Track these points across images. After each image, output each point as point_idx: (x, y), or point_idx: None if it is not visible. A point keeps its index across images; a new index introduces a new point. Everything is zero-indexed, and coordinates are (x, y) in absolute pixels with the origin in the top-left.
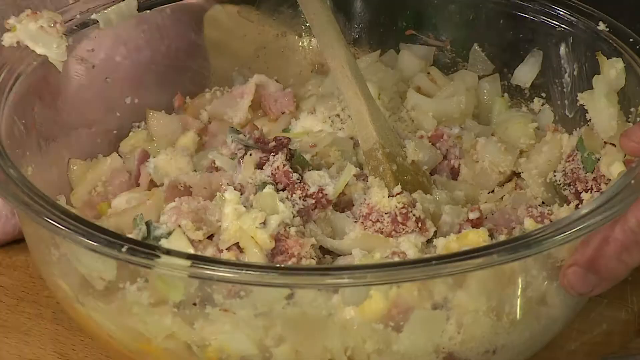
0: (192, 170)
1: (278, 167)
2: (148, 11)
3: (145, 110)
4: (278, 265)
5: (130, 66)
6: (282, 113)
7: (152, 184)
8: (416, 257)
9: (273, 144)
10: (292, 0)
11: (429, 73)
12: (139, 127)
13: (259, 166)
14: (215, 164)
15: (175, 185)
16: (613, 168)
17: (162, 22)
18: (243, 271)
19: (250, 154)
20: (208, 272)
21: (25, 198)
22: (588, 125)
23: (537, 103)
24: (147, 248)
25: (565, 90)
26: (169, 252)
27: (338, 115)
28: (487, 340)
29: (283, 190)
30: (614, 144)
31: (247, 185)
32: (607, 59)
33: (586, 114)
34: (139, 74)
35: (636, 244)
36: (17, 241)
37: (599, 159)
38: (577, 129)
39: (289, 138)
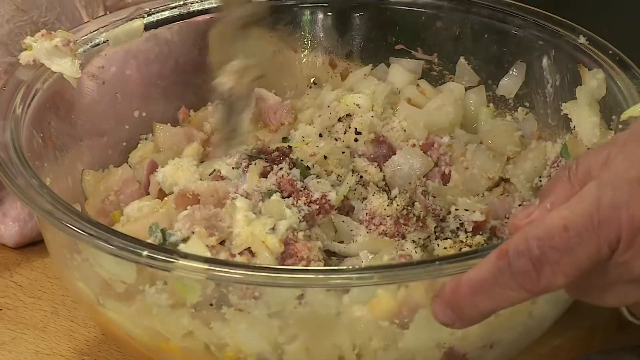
0: (199, 179)
1: (283, 175)
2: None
3: (152, 123)
4: (290, 267)
5: (140, 80)
6: (282, 124)
7: (161, 193)
8: (420, 259)
9: (276, 153)
10: (287, 19)
11: (418, 85)
12: (146, 139)
13: (263, 175)
14: (220, 173)
15: (184, 193)
16: None
17: (170, 38)
18: (257, 273)
19: (254, 164)
20: (224, 274)
21: (49, 206)
22: (572, 133)
23: (521, 112)
24: (166, 253)
25: (548, 99)
26: (186, 256)
27: (334, 126)
28: (485, 335)
29: (288, 197)
30: None
31: (254, 193)
32: (588, 70)
33: (569, 123)
34: (148, 88)
35: (486, 289)
36: (34, 243)
37: None
38: (561, 136)
39: (290, 147)
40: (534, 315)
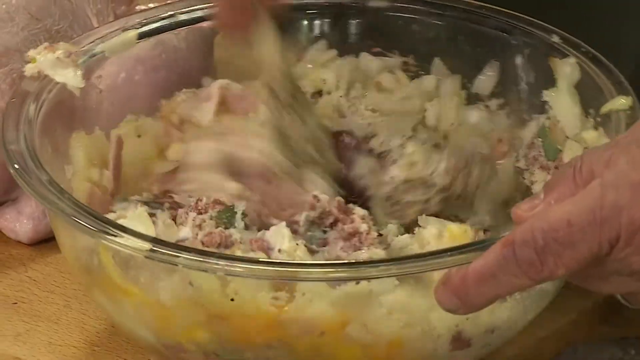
0: None
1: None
2: (165, 34)
3: None
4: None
5: (147, 85)
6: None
7: None
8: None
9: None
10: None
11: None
12: None
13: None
14: None
15: None
16: None
17: (177, 45)
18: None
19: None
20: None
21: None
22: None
23: (494, 103)
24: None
25: (522, 96)
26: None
27: None
28: (490, 320)
29: None
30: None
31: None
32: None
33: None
34: (154, 93)
35: (492, 277)
36: (47, 240)
37: (561, 150)
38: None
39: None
40: (531, 301)
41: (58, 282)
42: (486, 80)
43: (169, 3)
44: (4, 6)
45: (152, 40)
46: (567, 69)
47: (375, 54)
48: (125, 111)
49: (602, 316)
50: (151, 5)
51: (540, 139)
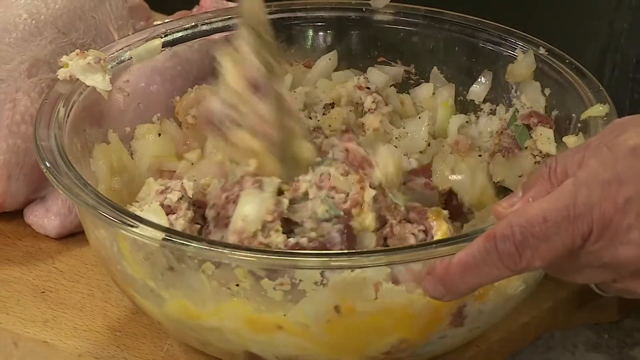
0: None
1: None
2: (179, 47)
3: None
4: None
5: (164, 93)
6: None
7: None
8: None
9: None
10: (282, 37)
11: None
12: None
13: None
14: None
15: None
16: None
17: (191, 56)
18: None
19: None
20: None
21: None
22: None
23: (487, 107)
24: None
25: (512, 102)
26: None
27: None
28: (482, 302)
29: None
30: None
31: None
32: (546, 78)
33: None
34: (169, 99)
35: (475, 267)
36: (73, 234)
37: (530, 129)
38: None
39: None
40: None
41: (82, 272)
42: (480, 88)
43: (192, 15)
44: (33, 21)
45: (168, 52)
46: (523, 66)
47: (380, 64)
48: (144, 117)
49: (578, 304)
50: (167, 20)
51: (508, 127)
